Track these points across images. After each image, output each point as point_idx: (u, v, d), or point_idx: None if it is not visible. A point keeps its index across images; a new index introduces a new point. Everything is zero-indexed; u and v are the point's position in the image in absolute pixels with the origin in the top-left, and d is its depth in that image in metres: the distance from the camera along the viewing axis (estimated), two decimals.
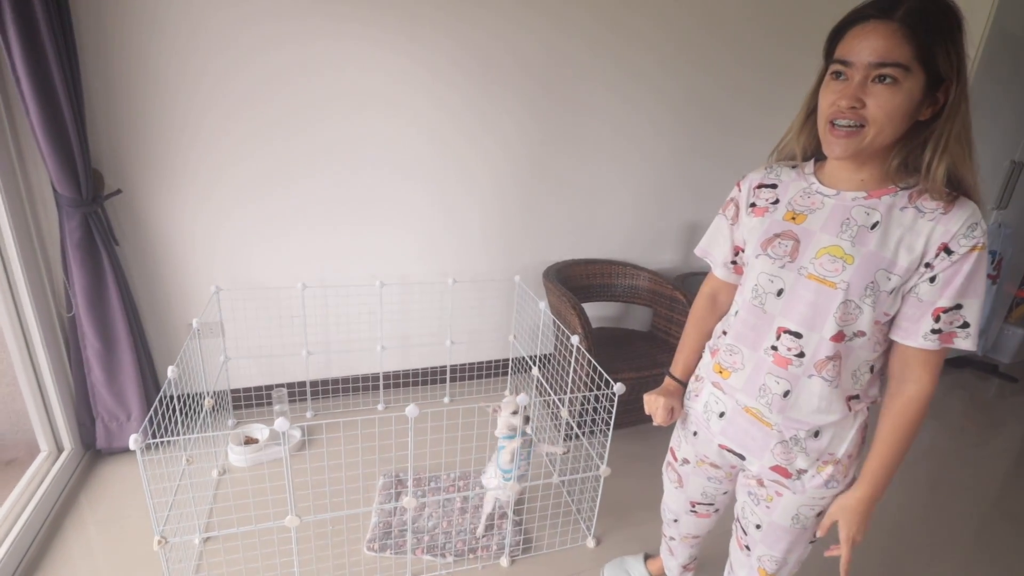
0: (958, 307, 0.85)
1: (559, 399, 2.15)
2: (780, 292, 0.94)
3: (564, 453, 1.60)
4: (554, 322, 2.23)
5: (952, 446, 2.55)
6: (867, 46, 0.79)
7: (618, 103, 2.43)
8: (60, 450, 1.94)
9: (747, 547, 1.15)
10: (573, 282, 2.51)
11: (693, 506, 1.30)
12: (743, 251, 1.05)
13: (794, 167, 0.99)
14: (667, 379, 1.26)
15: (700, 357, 1.19)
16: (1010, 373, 3.26)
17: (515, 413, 1.64)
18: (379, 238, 2.29)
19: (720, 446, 1.09)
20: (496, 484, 1.68)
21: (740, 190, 1.06)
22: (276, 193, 2.08)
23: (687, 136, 2.62)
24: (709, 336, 1.18)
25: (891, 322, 0.91)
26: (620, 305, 2.84)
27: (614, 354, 2.29)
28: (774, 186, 0.99)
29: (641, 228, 2.73)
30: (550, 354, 2.48)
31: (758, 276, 0.97)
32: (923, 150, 0.83)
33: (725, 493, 1.25)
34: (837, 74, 0.83)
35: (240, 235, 2.10)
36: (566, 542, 1.80)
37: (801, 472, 1.00)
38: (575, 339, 1.86)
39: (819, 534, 1.04)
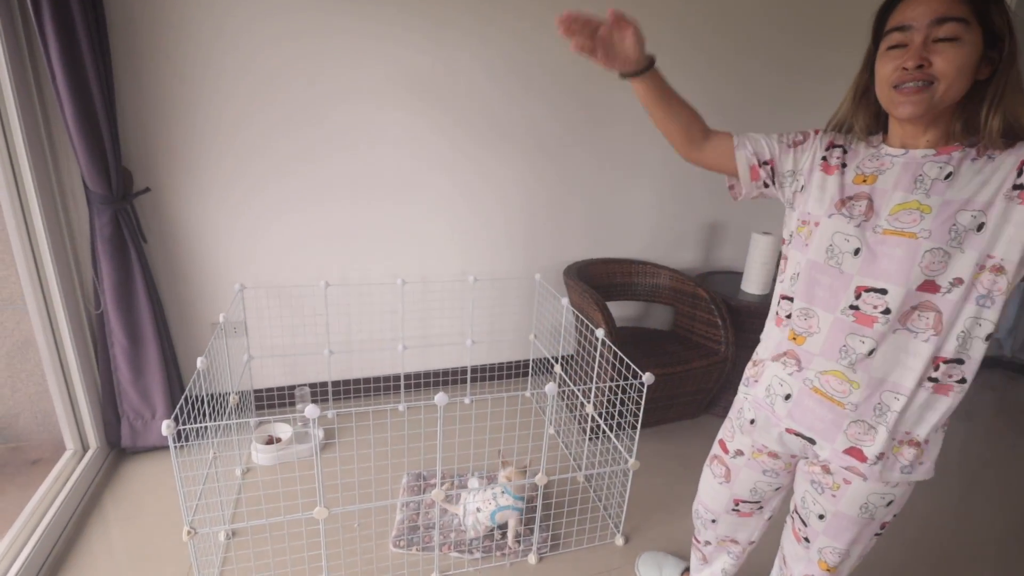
0: None
1: (584, 390, 2.12)
2: (857, 251, 0.92)
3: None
4: (577, 317, 2.21)
5: (985, 449, 2.48)
6: (924, 8, 0.81)
7: (636, 101, 2.43)
8: (85, 449, 1.94)
9: (806, 539, 1.09)
10: (594, 281, 2.50)
11: (736, 504, 1.22)
12: (773, 167, 1.03)
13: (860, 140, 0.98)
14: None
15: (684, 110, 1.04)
16: None
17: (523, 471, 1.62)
18: (400, 236, 2.30)
19: (787, 430, 1.04)
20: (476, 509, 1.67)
21: (813, 138, 1.02)
22: (301, 188, 2.10)
23: None
24: (683, 111, 1.04)
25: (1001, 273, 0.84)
26: (641, 304, 2.82)
27: (638, 352, 2.27)
28: (845, 150, 0.98)
29: (661, 227, 2.73)
30: (571, 355, 2.46)
31: (832, 236, 0.94)
32: (980, 106, 0.83)
33: (777, 489, 1.18)
34: (896, 45, 0.84)
35: (264, 232, 2.12)
36: (594, 539, 1.77)
37: (880, 457, 0.94)
38: (600, 332, 1.84)
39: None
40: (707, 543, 1.37)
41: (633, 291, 2.61)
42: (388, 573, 1.59)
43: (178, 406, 1.40)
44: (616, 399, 1.98)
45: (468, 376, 2.53)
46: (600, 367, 2.05)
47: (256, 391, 2.28)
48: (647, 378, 1.58)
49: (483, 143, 2.28)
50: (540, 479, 1.55)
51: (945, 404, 0.91)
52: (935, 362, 0.89)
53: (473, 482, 1.80)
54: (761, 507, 1.23)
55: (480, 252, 2.45)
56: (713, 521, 1.30)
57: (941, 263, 0.85)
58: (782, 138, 1.04)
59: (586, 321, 2.15)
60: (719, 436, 1.24)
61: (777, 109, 2.69)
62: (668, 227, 2.74)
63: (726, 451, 1.21)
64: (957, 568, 1.77)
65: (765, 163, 1.03)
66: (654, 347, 2.38)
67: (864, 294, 0.91)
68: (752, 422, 1.11)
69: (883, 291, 0.89)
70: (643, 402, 1.64)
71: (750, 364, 1.16)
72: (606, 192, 2.55)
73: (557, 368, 2.29)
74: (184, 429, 1.33)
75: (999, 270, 0.83)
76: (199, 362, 1.50)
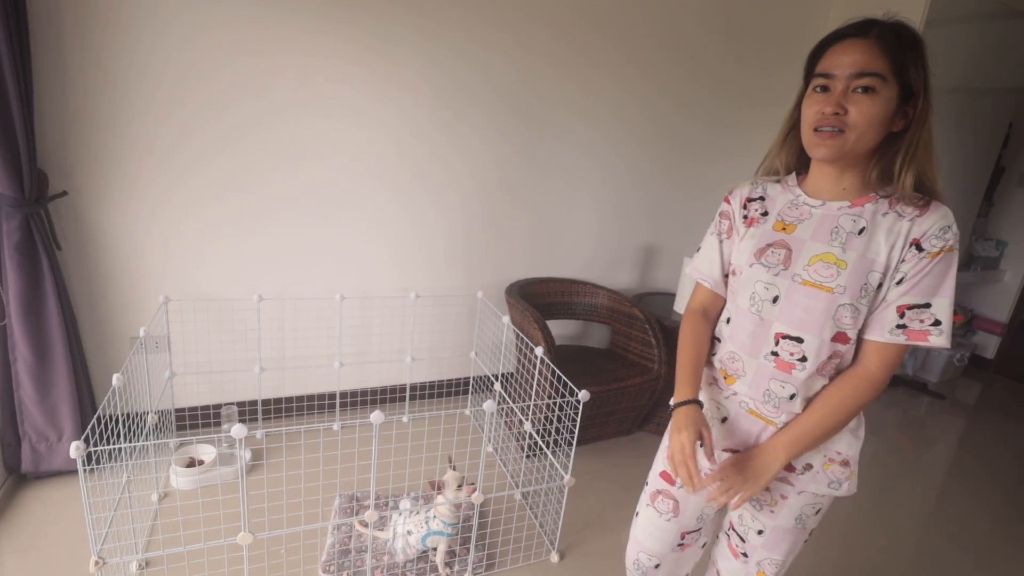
0: (926, 305, 0.89)
1: (523, 408, 2.14)
2: (776, 299, 0.97)
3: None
4: (517, 335, 2.24)
5: (889, 460, 2.68)
6: (848, 60, 0.87)
7: (582, 125, 2.52)
8: None
9: (744, 554, 1.12)
10: (535, 299, 2.54)
11: (683, 538, 1.19)
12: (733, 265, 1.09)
13: (777, 181, 1.04)
14: (682, 408, 1.05)
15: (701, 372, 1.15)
16: (938, 391, 3.49)
17: (460, 487, 1.57)
18: (341, 250, 2.26)
19: (725, 450, 1.08)
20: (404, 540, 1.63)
21: (730, 204, 1.08)
22: (235, 200, 2.03)
23: (646, 158, 2.74)
24: (707, 348, 1.15)
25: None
26: (579, 323, 2.88)
27: (575, 370, 2.32)
28: (762, 199, 1.04)
29: (600, 248, 2.81)
30: (511, 373, 2.47)
31: (754, 284, 1.00)
32: (895, 158, 0.89)
33: (718, 511, 1.20)
34: (820, 88, 0.90)
35: (193, 242, 2.02)
36: (529, 557, 1.77)
37: (807, 467, 1.01)
38: (539, 350, 1.87)
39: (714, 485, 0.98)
40: None
41: (572, 310, 2.67)
42: None
43: (89, 426, 1.30)
44: (553, 416, 2.01)
45: (407, 394, 2.49)
46: (539, 385, 2.08)
47: (178, 410, 2.15)
48: (583, 395, 1.62)
49: (428, 160, 2.29)
50: (477, 498, 1.55)
51: (859, 427, 1.02)
52: None
53: (405, 503, 1.76)
54: (700, 532, 1.22)
55: (422, 268, 2.44)
56: (657, 567, 1.24)
57: (852, 317, 0.92)
58: (717, 239, 1.10)
59: (526, 339, 2.17)
60: (658, 469, 1.20)
61: (722, 134, 2.86)
62: (607, 248, 2.83)
63: (672, 483, 1.17)
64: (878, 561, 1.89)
65: (730, 270, 1.10)
66: (591, 365, 2.44)
67: (782, 341, 0.97)
68: (700, 445, 1.12)
69: (799, 339, 0.95)
70: (579, 419, 1.67)
71: None
72: (549, 212, 2.61)
73: (497, 386, 2.30)
74: (95, 451, 1.24)
75: None
76: (115, 379, 1.41)
